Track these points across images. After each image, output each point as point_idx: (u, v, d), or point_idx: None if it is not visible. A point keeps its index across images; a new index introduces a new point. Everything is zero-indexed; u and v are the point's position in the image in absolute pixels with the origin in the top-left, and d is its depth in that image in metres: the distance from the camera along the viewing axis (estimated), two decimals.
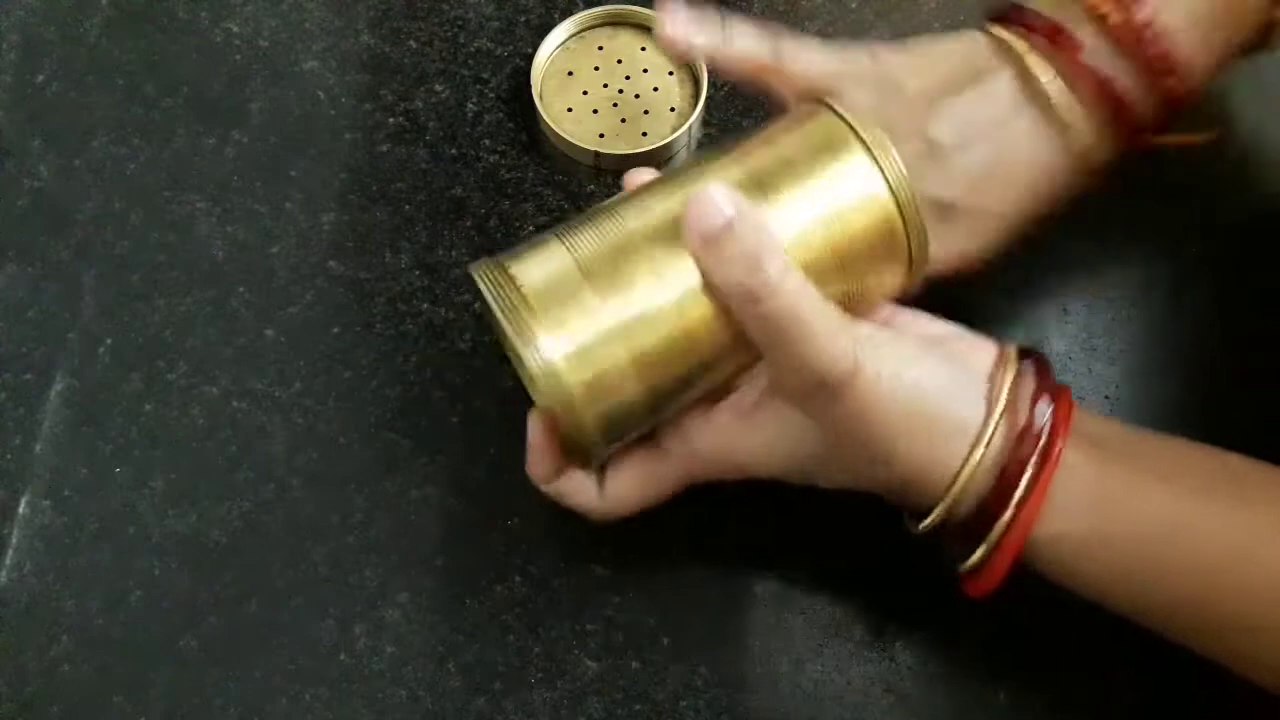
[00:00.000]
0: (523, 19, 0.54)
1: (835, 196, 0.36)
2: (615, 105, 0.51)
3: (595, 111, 0.51)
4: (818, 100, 0.39)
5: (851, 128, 0.37)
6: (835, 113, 0.38)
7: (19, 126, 0.52)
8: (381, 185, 0.50)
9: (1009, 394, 0.37)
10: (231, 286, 0.48)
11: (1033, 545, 0.36)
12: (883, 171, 0.37)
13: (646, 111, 0.51)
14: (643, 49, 0.53)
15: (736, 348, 0.36)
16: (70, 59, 0.53)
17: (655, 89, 0.52)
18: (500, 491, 0.44)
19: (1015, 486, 0.36)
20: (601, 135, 0.51)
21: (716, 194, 0.34)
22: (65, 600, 0.43)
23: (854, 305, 0.38)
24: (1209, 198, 0.50)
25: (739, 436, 0.38)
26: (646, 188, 0.38)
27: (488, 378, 0.46)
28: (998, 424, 0.36)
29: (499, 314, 0.35)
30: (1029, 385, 0.37)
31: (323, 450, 0.45)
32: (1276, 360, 0.46)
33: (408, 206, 0.50)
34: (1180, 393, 0.47)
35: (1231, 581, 0.35)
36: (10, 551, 0.44)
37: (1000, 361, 0.38)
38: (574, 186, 0.50)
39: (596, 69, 0.52)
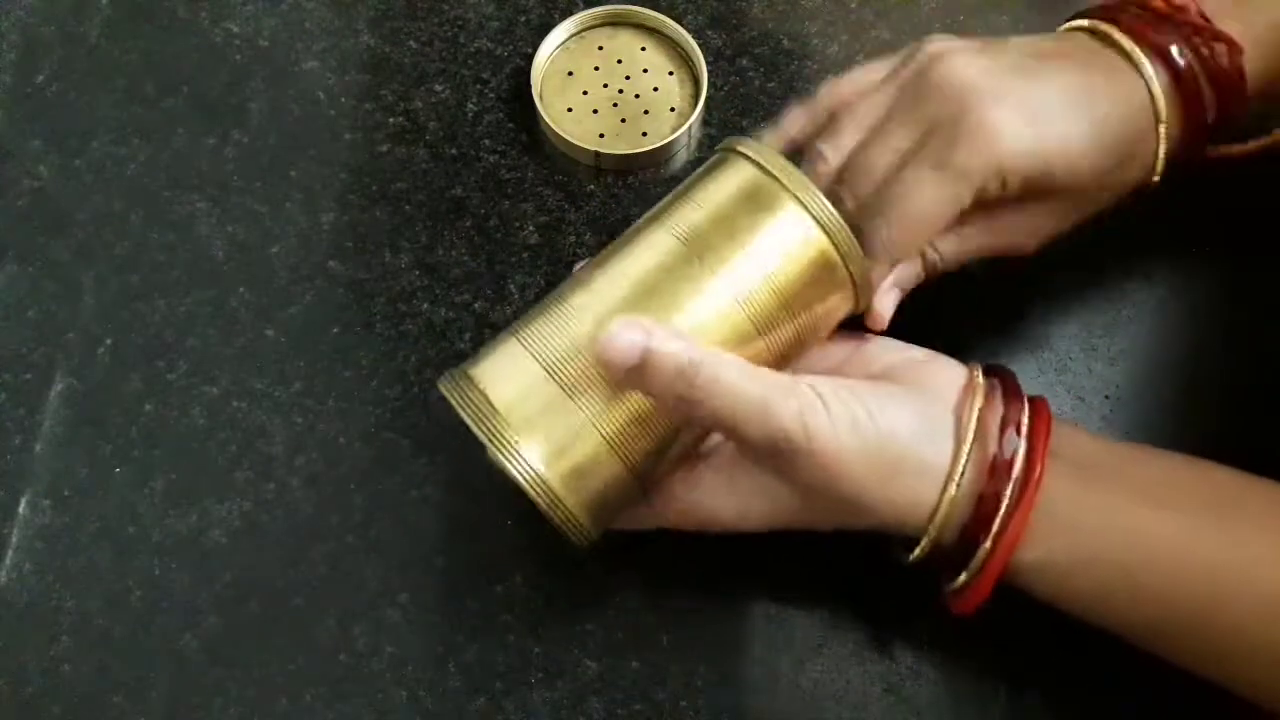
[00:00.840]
0: (523, 19, 0.54)
1: (770, 247, 0.37)
2: (615, 105, 0.51)
3: (595, 111, 0.51)
4: (730, 146, 0.39)
5: (771, 175, 0.38)
6: (750, 160, 0.38)
7: (19, 126, 0.52)
8: (381, 185, 0.50)
9: (977, 425, 0.37)
10: (231, 286, 0.48)
11: (1016, 569, 0.37)
12: (810, 213, 0.37)
13: (646, 111, 0.51)
14: (642, 49, 0.53)
15: None
16: (70, 59, 0.53)
17: (655, 89, 0.52)
18: (500, 491, 0.44)
19: (993, 517, 0.36)
20: (601, 135, 0.51)
21: (624, 332, 0.35)
22: (65, 600, 0.43)
23: (809, 338, 0.39)
24: (1209, 198, 0.50)
25: (718, 495, 0.39)
26: (593, 267, 0.39)
27: None
28: (968, 459, 0.36)
29: (474, 427, 0.36)
30: (997, 412, 0.37)
31: (323, 450, 0.45)
32: (1276, 360, 0.46)
33: (408, 206, 0.50)
34: (1180, 393, 0.47)
35: (1225, 604, 0.35)
36: (10, 551, 0.44)
37: (967, 389, 0.38)
38: (574, 186, 0.50)
39: (596, 69, 0.52)
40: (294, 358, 0.47)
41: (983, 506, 0.36)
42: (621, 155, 0.50)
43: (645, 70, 0.52)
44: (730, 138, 0.39)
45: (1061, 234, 0.43)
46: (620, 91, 0.52)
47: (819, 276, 0.38)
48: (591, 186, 0.50)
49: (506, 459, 0.36)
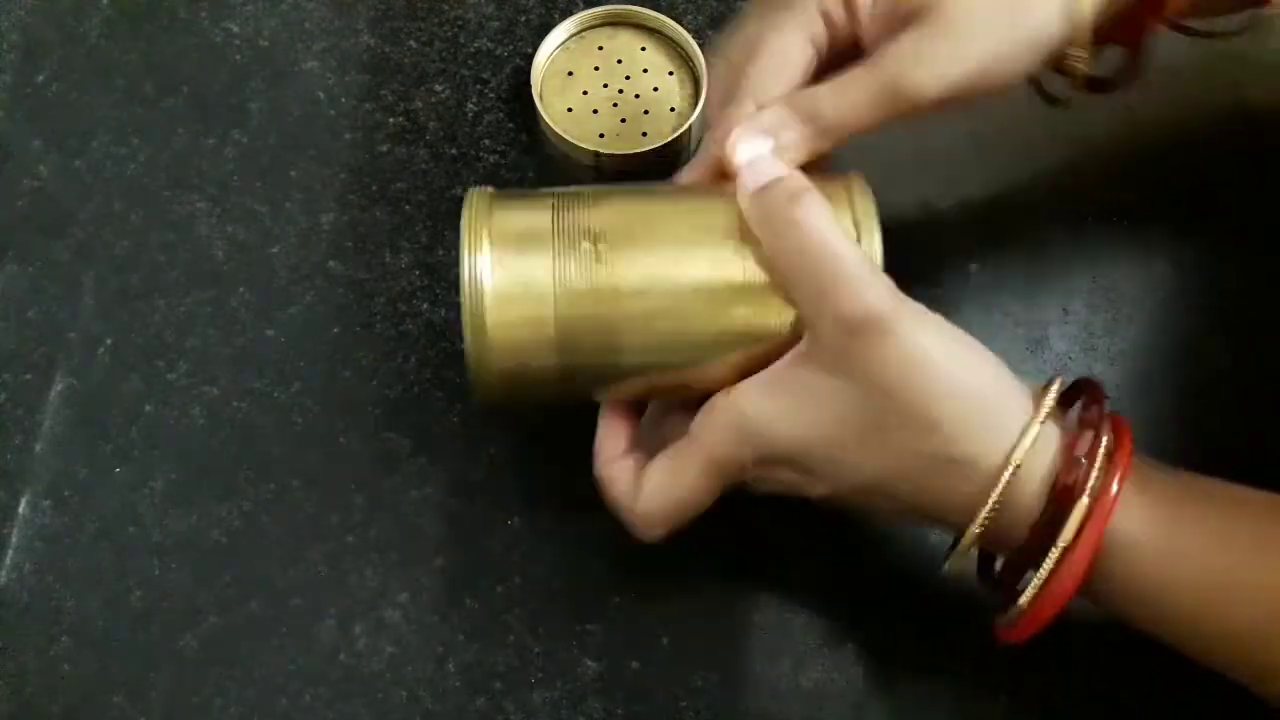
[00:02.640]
0: (523, 19, 0.54)
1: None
2: (615, 105, 0.51)
3: (595, 111, 0.51)
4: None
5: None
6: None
7: (19, 126, 0.52)
8: (381, 185, 0.50)
9: (1054, 400, 0.34)
10: (231, 286, 0.48)
11: (1110, 552, 0.34)
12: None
13: (646, 111, 0.51)
14: (642, 49, 0.53)
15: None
16: (70, 59, 0.53)
17: (655, 89, 0.52)
18: (500, 491, 0.44)
19: (1072, 503, 0.33)
20: (601, 135, 0.51)
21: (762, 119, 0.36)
22: (65, 600, 0.43)
23: None
24: (1210, 197, 0.50)
25: (758, 402, 0.36)
26: (676, 190, 0.40)
27: None
28: (1050, 410, 0.34)
29: (464, 233, 0.37)
30: (1075, 410, 0.36)
31: (322, 450, 0.45)
32: (1277, 360, 0.46)
33: (408, 206, 0.50)
34: (1180, 393, 0.46)
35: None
36: (10, 551, 0.44)
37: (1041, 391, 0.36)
38: None
39: (596, 69, 0.52)
40: (294, 358, 0.47)
41: (1059, 494, 0.33)
42: (621, 155, 0.50)
43: (645, 70, 0.52)
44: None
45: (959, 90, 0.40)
46: (620, 92, 0.52)
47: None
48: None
49: (467, 253, 0.37)
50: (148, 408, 0.46)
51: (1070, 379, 0.36)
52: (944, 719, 0.42)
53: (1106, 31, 0.41)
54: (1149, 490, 0.34)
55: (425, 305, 0.48)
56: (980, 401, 0.34)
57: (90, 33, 0.54)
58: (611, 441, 0.39)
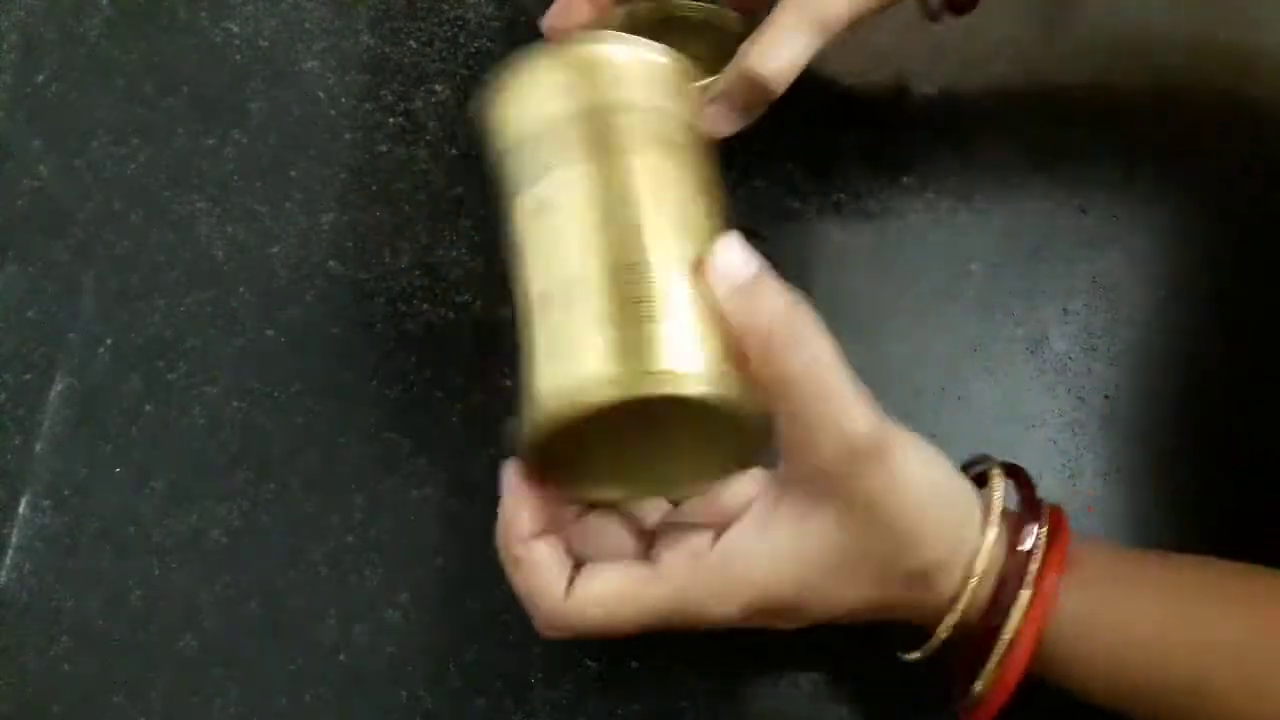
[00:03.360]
0: (522, 19, 0.54)
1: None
2: None
3: None
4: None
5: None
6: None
7: (19, 126, 0.52)
8: (381, 185, 0.50)
9: (1001, 503, 0.36)
10: (231, 286, 0.48)
11: (1048, 640, 0.36)
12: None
13: None
14: None
15: None
16: (70, 59, 0.53)
17: None
18: (500, 491, 0.44)
19: (1020, 578, 0.35)
20: None
21: (738, 248, 0.33)
22: (65, 600, 0.43)
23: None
24: (1210, 197, 0.50)
25: (744, 543, 0.34)
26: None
27: (488, 377, 0.46)
28: (1000, 519, 0.36)
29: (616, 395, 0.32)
30: (1014, 499, 0.37)
31: (323, 450, 0.45)
32: (1277, 360, 0.46)
33: (408, 206, 0.50)
34: (1180, 393, 0.46)
35: (1232, 679, 0.34)
36: (10, 552, 0.44)
37: (985, 477, 0.38)
38: None
39: None
40: (294, 358, 0.47)
41: (1006, 578, 0.35)
42: None
43: None
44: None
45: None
46: None
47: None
48: None
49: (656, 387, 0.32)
50: (148, 408, 0.46)
51: (994, 464, 0.38)
52: (943, 719, 0.42)
53: None
54: (1085, 570, 0.36)
55: (425, 305, 0.48)
56: (953, 512, 0.36)
57: (90, 33, 0.54)
58: (526, 515, 0.35)
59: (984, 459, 0.39)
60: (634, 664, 0.42)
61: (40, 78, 0.53)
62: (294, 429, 0.46)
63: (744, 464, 0.36)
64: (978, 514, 0.36)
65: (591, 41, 0.37)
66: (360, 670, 0.42)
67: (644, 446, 0.34)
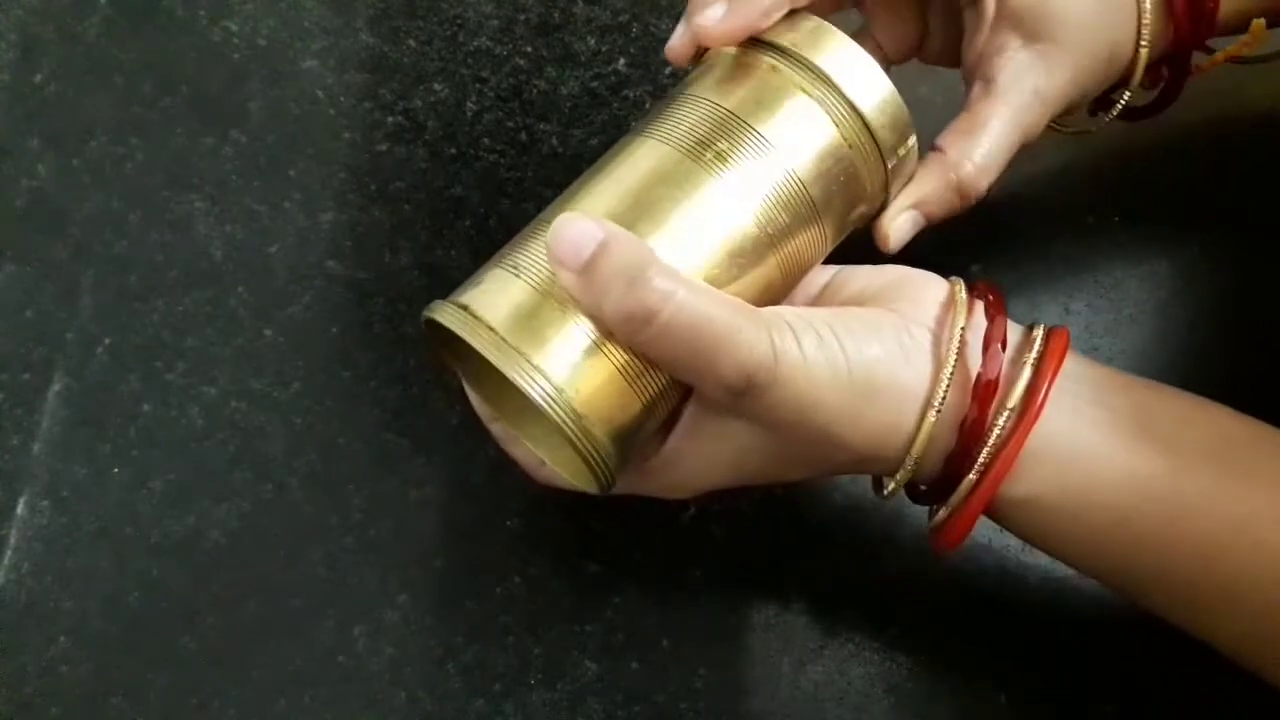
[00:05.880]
0: (522, 18, 0.54)
1: (787, 141, 0.34)
2: None
3: None
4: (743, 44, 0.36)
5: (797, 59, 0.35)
6: (766, 48, 0.35)
7: (17, 126, 0.52)
8: (380, 185, 0.50)
9: (959, 345, 0.34)
10: (230, 286, 0.48)
11: (1003, 505, 0.35)
12: (826, 107, 0.35)
13: None
14: None
15: None
16: (69, 58, 0.53)
17: None
18: (500, 491, 0.44)
19: (978, 445, 0.34)
20: None
21: (575, 223, 0.32)
22: (64, 601, 0.43)
23: (813, 257, 0.37)
24: (1210, 196, 0.50)
25: (679, 449, 0.36)
26: (580, 181, 0.36)
27: None
28: (949, 381, 0.34)
29: (483, 351, 0.33)
30: (980, 329, 0.35)
31: (321, 451, 0.45)
32: (1277, 360, 0.46)
33: (407, 206, 0.50)
34: None
35: (1219, 558, 0.33)
36: (9, 552, 0.43)
37: (948, 306, 0.35)
38: None
39: None
40: (293, 358, 0.47)
41: (966, 435, 0.34)
42: None
43: None
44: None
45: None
46: None
47: (839, 173, 0.35)
48: None
49: (521, 378, 0.32)
50: (146, 408, 0.46)
51: (965, 299, 0.36)
52: (944, 718, 0.42)
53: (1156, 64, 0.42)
54: (1065, 396, 0.34)
55: (425, 305, 0.48)
56: (875, 416, 0.34)
57: (88, 32, 0.54)
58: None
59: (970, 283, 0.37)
60: (634, 665, 0.42)
61: (38, 77, 0.53)
62: (293, 429, 0.46)
63: (581, 481, 0.36)
64: (923, 378, 0.34)
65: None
66: (359, 671, 0.42)
67: (517, 399, 0.34)
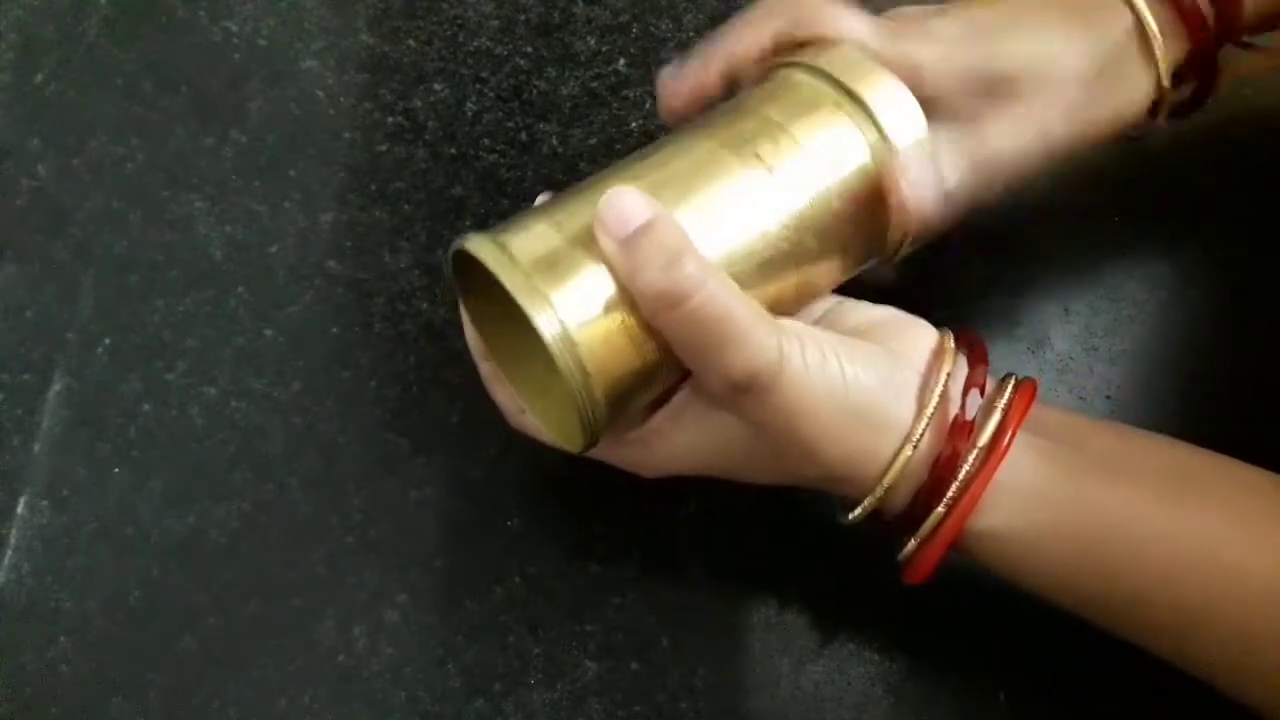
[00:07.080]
0: (522, 18, 0.54)
1: (825, 161, 0.36)
2: None
3: None
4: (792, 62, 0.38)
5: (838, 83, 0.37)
6: (812, 70, 0.37)
7: (17, 126, 0.52)
8: (380, 185, 0.50)
9: (943, 388, 0.36)
10: (230, 286, 0.48)
11: (972, 538, 0.36)
12: (861, 130, 0.37)
13: None
14: None
15: None
16: (69, 58, 0.53)
17: None
18: (500, 491, 0.44)
19: (949, 481, 0.35)
20: None
21: (631, 195, 0.33)
22: (64, 601, 0.43)
23: (833, 278, 0.38)
24: (1210, 196, 0.50)
25: (661, 428, 0.37)
26: (635, 159, 0.37)
27: None
28: (929, 422, 0.36)
29: (508, 284, 0.33)
30: (961, 376, 0.37)
31: (321, 450, 0.45)
32: (1277, 360, 0.46)
33: (407, 206, 0.50)
34: (1181, 393, 0.46)
35: (1180, 582, 0.35)
36: (9, 552, 0.43)
37: (937, 354, 0.37)
38: None
39: None
40: (293, 358, 0.47)
41: (939, 470, 0.35)
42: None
43: None
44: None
45: (1049, 157, 0.41)
46: None
47: (870, 199, 0.37)
48: None
49: (541, 317, 0.33)
50: (146, 408, 0.46)
51: (952, 349, 0.37)
52: (944, 718, 0.42)
53: (1182, 69, 0.42)
54: (1028, 435, 0.36)
55: (424, 305, 0.48)
56: (858, 436, 0.35)
57: (89, 32, 0.54)
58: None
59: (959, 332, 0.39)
60: (634, 665, 0.42)
61: (39, 77, 0.53)
62: (293, 429, 0.46)
63: (560, 435, 0.37)
64: (906, 414, 0.36)
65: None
66: (359, 671, 0.42)
67: (531, 350, 0.34)
